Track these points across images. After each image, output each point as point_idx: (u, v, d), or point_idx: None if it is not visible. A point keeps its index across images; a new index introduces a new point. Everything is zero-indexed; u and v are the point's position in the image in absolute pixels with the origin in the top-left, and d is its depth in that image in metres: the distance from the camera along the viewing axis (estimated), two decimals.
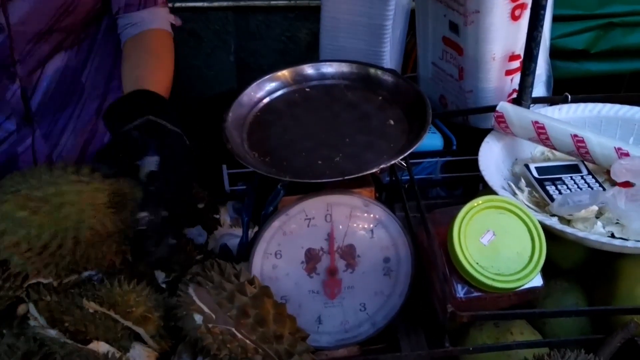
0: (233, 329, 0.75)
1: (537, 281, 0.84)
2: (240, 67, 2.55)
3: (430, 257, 0.88)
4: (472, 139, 1.12)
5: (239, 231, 1.07)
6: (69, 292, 0.82)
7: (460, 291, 0.83)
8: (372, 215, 0.89)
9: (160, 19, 1.19)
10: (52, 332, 0.74)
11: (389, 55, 1.61)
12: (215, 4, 2.36)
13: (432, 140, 1.30)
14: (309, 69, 0.95)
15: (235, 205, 1.23)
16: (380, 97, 0.95)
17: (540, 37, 1.04)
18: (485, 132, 1.09)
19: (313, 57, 2.54)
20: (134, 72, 1.13)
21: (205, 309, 0.76)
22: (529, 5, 1.05)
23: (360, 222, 0.89)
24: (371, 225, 0.89)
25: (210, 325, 0.75)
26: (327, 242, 0.89)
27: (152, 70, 1.12)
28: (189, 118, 2.15)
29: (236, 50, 2.50)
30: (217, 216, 1.12)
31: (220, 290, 0.78)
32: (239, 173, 1.22)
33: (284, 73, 0.94)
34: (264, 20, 2.45)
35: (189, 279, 0.83)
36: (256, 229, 0.97)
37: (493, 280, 0.80)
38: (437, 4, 1.24)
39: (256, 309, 0.77)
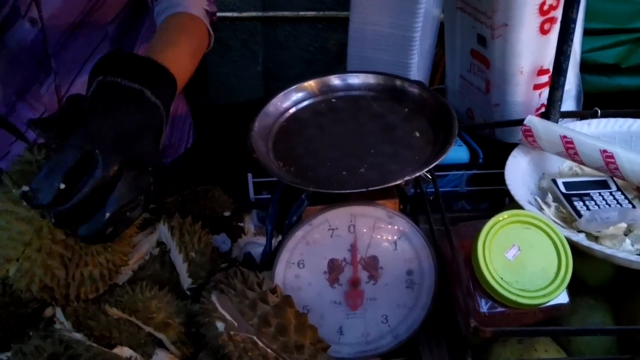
0: (254, 338, 0.75)
1: (562, 298, 0.83)
2: (267, 76, 2.57)
3: (454, 270, 0.87)
4: (499, 153, 1.11)
5: (262, 240, 1.08)
6: (95, 297, 0.84)
7: (484, 306, 0.82)
8: (396, 227, 0.88)
9: (190, 4, 1.13)
10: (78, 336, 0.75)
11: (417, 67, 1.61)
12: (245, 14, 2.38)
13: (458, 152, 1.29)
14: (335, 80, 0.96)
15: (260, 213, 1.24)
16: (406, 109, 0.94)
17: (570, 51, 1.03)
18: (512, 146, 1.08)
19: (340, 67, 2.56)
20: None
21: (228, 317, 0.77)
22: (559, 19, 1.04)
23: (384, 233, 0.88)
24: (395, 237, 0.89)
25: (232, 333, 0.75)
26: (350, 252, 0.89)
27: (162, 47, 1.01)
28: (215, 125, 2.17)
29: (263, 60, 2.52)
30: (242, 224, 1.12)
31: (242, 299, 0.78)
32: (264, 182, 1.23)
33: (311, 83, 0.95)
34: (292, 30, 2.47)
35: (212, 286, 0.84)
36: (280, 238, 0.98)
37: (517, 295, 0.79)
38: (466, 16, 1.24)
39: (278, 318, 0.77)
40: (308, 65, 2.54)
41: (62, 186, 0.70)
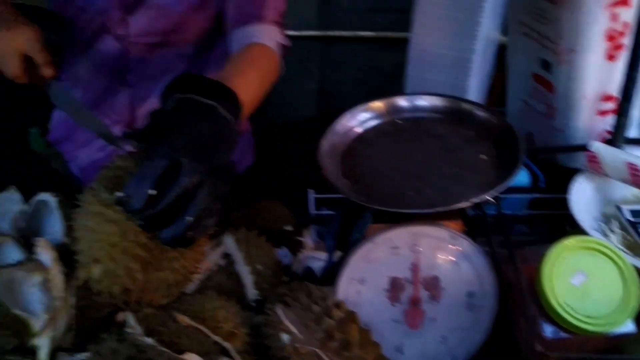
0: (319, 351, 0.77)
1: (629, 327, 0.82)
2: (321, 94, 2.61)
3: (516, 294, 0.87)
4: (560, 178, 1.11)
5: (321, 255, 1.09)
6: (165, 305, 0.87)
7: (548, 331, 0.82)
8: (458, 248, 0.89)
9: (265, 36, 1.19)
10: (149, 340, 0.78)
11: (474, 89, 1.61)
12: (303, 32, 2.43)
13: (519, 176, 1.28)
14: (402, 101, 0.97)
15: (318, 229, 1.26)
16: (471, 131, 0.95)
17: (638, 77, 1.02)
18: (573, 172, 1.08)
19: (395, 88, 2.57)
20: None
21: (293, 329, 0.78)
22: (626, 46, 1.03)
23: (446, 254, 0.89)
24: (457, 258, 0.89)
25: (297, 346, 0.77)
26: (412, 272, 0.89)
27: (231, 76, 1.07)
28: (271, 142, 2.21)
29: (319, 79, 2.56)
30: (301, 239, 1.14)
31: (307, 312, 0.80)
32: (324, 198, 1.25)
33: (378, 104, 0.97)
34: (348, 50, 2.51)
35: (276, 298, 0.86)
36: (339, 253, 0.99)
37: (582, 322, 0.79)
38: (530, 41, 1.24)
39: (342, 333, 0.78)
40: (362, 84, 2.57)
41: (153, 192, 0.75)
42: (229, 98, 0.90)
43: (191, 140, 0.80)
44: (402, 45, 2.43)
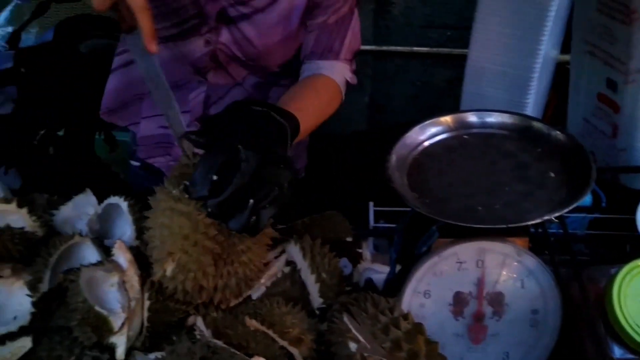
0: None
1: None
2: (372, 108, 2.63)
3: (582, 313, 0.87)
4: (622, 198, 1.10)
5: (380, 267, 1.11)
6: (233, 310, 0.89)
7: (617, 352, 0.81)
8: (524, 265, 0.89)
9: (335, 71, 1.25)
10: (219, 343, 0.81)
11: (532, 107, 1.61)
12: None
13: None
14: (471, 117, 0.98)
15: (376, 241, 1.27)
16: (540, 149, 0.96)
17: None
18: (636, 192, 1.07)
19: (446, 104, 2.58)
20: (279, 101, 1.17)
21: (361, 338, 0.80)
22: None
23: (512, 270, 0.89)
24: (522, 275, 0.90)
25: (364, 355, 0.78)
26: (477, 287, 0.90)
27: (297, 100, 1.16)
28: (322, 153, 2.24)
29: (371, 92, 2.58)
30: (360, 250, 1.16)
31: (375, 322, 0.81)
32: (383, 211, 1.26)
33: (447, 118, 0.98)
34: (401, 64, 2.52)
35: (340, 307, 0.88)
36: (398, 267, 1.00)
37: None
38: (596, 60, 1.24)
39: (409, 344, 0.79)
40: (414, 100, 2.58)
41: (215, 178, 0.80)
42: (283, 112, 0.96)
43: (247, 134, 0.85)
44: (455, 62, 2.45)
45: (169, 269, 0.83)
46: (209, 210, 0.81)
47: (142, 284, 0.88)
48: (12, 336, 0.84)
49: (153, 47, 0.95)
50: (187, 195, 0.82)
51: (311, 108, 1.15)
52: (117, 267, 0.88)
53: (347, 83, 1.29)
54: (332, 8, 1.23)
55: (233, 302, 0.89)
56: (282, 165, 0.85)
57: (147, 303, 0.86)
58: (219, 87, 1.32)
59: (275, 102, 1.36)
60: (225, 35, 1.23)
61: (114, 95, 1.38)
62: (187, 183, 0.82)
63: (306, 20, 1.26)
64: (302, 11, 1.22)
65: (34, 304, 0.88)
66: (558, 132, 0.96)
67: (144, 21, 0.94)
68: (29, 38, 1.96)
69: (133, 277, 0.87)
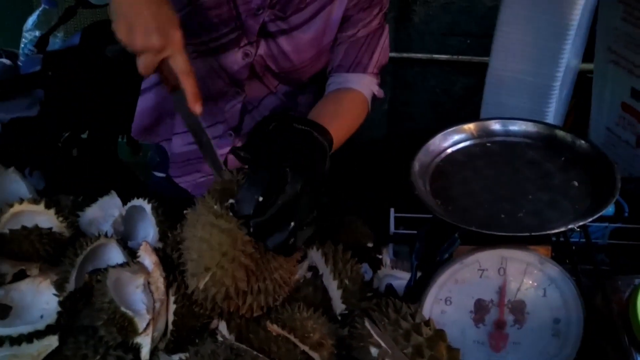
0: None
1: None
2: (391, 115, 2.63)
3: (605, 323, 0.86)
4: None
5: (400, 273, 1.11)
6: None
7: None
8: (546, 274, 0.89)
9: (362, 84, 1.27)
10: (243, 346, 0.81)
11: (553, 115, 1.60)
12: None
13: None
14: (495, 125, 0.99)
15: (396, 248, 1.28)
16: (562, 158, 0.96)
17: None
18: None
19: (465, 111, 2.58)
20: (311, 115, 1.20)
21: (382, 343, 0.80)
22: None
23: (534, 279, 0.89)
24: (544, 284, 0.89)
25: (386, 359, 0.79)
26: (498, 295, 0.90)
27: (328, 115, 1.17)
28: (343, 160, 2.25)
29: (390, 99, 2.58)
30: (380, 256, 1.16)
31: (396, 327, 0.82)
32: (404, 217, 1.26)
33: (470, 126, 0.98)
34: (420, 72, 2.52)
35: (362, 313, 0.88)
36: (419, 273, 1.01)
37: None
38: (620, 69, 1.23)
39: (431, 351, 0.79)
40: (433, 106, 2.58)
41: (261, 199, 0.82)
42: (322, 130, 0.99)
43: (292, 153, 0.87)
44: (475, 70, 2.44)
45: (203, 282, 0.84)
46: (251, 229, 0.84)
47: (167, 285, 0.90)
48: (39, 334, 0.86)
49: (197, 108, 1.00)
50: (230, 213, 0.84)
51: (342, 123, 1.18)
52: (143, 269, 0.90)
53: (374, 96, 1.31)
54: (362, 22, 1.25)
55: (258, 312, 0.89)
56: (321, 188, 0.89)
57: (173, 307, 0.87)
58: (254, 97, 1.34)
59: (303, 110, 1.39)
60: (263, 48, 1.25)
61: (146, 114, 1.40)
62: (233, 201, 0.85)
63: (336, 34, 1.27)
64: (336, 28, 1.24)
65: (60, 303, 0.89)
66: (582, 141, 0.96)
67: (188, 84, 1.00)
68: (55, 42, 1.99)
69: (158, 279, 0.89)
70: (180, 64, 0.99)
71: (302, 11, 1.22)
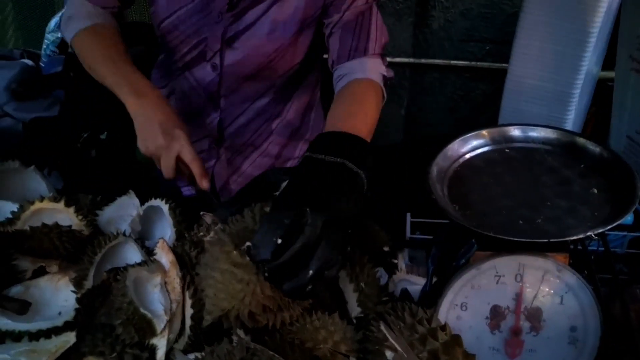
0: None
1: None
2: (409, 120, 2.63)
3: (623, 332, 0.86)
4: None
5: (415, 278, 1.11)
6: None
7: None
8: (564, 281, 0.88)
9: (368, 70, 1.23)
10: (259, 346, 0.81)
11: (572, 123, 1.59)
12: (396, 59, 2.46)
13: None
14: (514, 131, 0.98)
15: (411, 253, 1.27)
16: (582, 165, 0.95)
17: None
18: None
19: (483, 118, 2.57)
20: (329, 121, 1.17)
21: (398, 347, 0.80)
22: None
23: (551, 286, 0.89)
24: (562, 291, 0.89)
25: None
26: (515, 301, 0.89)
27: (346, 117, 1.15)
28: None
29: (408, 105, 2.58)
30: (396, 261, 1.16)
31: (412, 332, 0.82)
32: (420, 222, 1.26)
33: (489, 131, 0.98)
34: (438, 78, 2.52)
35: (377, 316, 0.88)
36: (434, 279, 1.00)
37: None
38: None
39: (447, 356, 0.79)
40: (451, 112, 2.57)
41: (280, 241, 0.77)
42: (362, 149, 0.95)
43: (314, 192, 0.83)
44: (493, 76, 2.44)
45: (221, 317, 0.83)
46: (266, 274, 0.79)
47: (183, 286, 0.90)
48: (57, 331, 0.87)
49: (204, 184, 1.11)
50: (247, 258, 0.80)
51: (364, 122, 1.13)
52: (160, 267, 0.91)
53: (385, 79, 1.26)
54: (345, 5, 1.22)
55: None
56: (347, 226, 0.84)
57: (190, 311, 0.87)
58: (233, 110, 1.37)
59: (301, 105, 1.41)
60: (231, 56, 1.27)
61: None
62: (250, 245, 0.80)
63: (325, 26, 1.26)
64: (301, 13, 1.23)
65: (78, 300, 0.90)
66: (602, 149, 0.95)
67: (195, 167, 1.10)
68: None
69: (175, 279, 0.89)
70: (187, 155, 1.10)
71: (256, 7, 1.22)
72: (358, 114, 1.14)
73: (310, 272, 0.78)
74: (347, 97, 1.21)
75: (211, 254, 0.85)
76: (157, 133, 1.10)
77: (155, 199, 1.12)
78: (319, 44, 1.32)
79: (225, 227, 0.89)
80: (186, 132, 1.12)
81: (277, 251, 0.78)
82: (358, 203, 0.88)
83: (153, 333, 0.83)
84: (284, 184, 0.88)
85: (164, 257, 0.92)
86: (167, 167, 1.11)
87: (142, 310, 0.83)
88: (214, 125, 1.38)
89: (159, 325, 0.83)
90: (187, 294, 0.88)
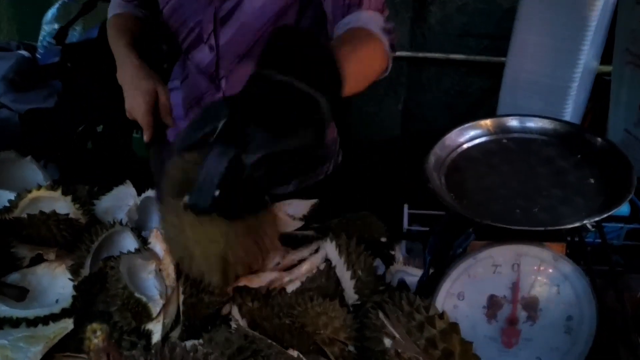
0: (420, 358, 0.78)
1: None
2: (405, 116, 2.63)
3: (617, 321, 0.86)
4: None
5: (412, 270, 1.11)
6: (268, 300, 0.90)
7: None
8: (560, 271, 0.89)
9: (364, 21, 1.10)
10: (257, 334, 0.82)
11: (570, 117, 1.60)
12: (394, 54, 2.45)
13: None
14: (512, 121, 0.98)
15: (408, 244, 1.28)
16: (578, 156, 0.95)
17: None
18: None
19: (480, 112, 2.57)
20: None
21: (396, 334, 0.80)
22: None
23: (548, 276, 0.89)
24: (558, 281, 0.89)
25: (399, 351, 0.79)
26: (511, 291, 0.90)
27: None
28: (358, 158, 2.25)
29: (405, 100, 2.59)
30: (393, 252, 1.16)
31: (410, 319, 0.82)
32: (416, 214, 1.26)
33: (486, 122, 0.98)
34: (436, 72, 2.53)
35: (375, 304, 0.88)
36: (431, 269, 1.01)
37: None
38: (638, 70, 1.23)
39: (444, 343, 0.79)
40: (448, 107, 2.58)
41: (217, 193, 0.74)
42: (317, 63, 0.78)
43: (254, 127, 0.73)
44: (491, 71, 2.44)
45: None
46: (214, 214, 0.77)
47: (177, 273, 0.90)
48: (55, 317, 0.87)
49: (168, 120, 1.20)
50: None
51: (354, 63, 0.96)
52: (154, 255, 0.91)
53: (386, 31, 1.11)
54: None
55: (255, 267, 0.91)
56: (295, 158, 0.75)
57: (182, 297, 0.88)
58: (233, 91, 1.37)
59: None
60: (225, 36, 1.29)
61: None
62: (188, 199, 0.78)
63: None
64: None
65: (75, 287, 0.90)
66: (599, 140, 0.96)
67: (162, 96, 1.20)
68: (73, 35, 2.01)
69: (169, 266, 0.89)
70: (161, 93, 1.20)
71: None
72: (348, 56, 0.93)
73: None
74: (336, 42, 1.08)
75: (161, 207, 0.89)
76: (133, 94, 1.21)
77: (152, 189, 1.12)
78: (317, 22, 1.27)
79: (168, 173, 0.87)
80: (161, 88, 1.21)
81: (216, 202, 0.74)
82: (309, 134, 0.75)
83: (149, 316, 0.83)
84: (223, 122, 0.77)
85: (158, 245, 0.92)
86: (142, 117, 1.18)
87: (137, 294, 0.83)
88: None
89: (155, 308, 0.83)
90: (179, 282, 0.88)
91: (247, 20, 1.27)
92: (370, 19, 1.11)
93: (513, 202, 0.88)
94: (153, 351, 0.71)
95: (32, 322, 0.85)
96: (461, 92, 2.57)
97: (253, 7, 1.25)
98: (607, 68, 1.60)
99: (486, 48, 2.44)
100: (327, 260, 0.99)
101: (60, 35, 1.89)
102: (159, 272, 0.90)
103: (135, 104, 1.21)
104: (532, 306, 0.90)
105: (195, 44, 1.34)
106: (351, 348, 0.85)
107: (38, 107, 1.87)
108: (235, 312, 0.89)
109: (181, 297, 0.88)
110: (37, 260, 0.97)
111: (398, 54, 2.44)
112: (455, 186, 0.93)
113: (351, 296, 0.92)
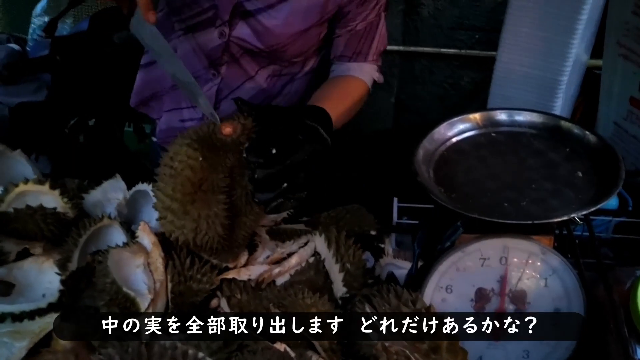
0: (407, 352, 0.78)
1: None
2: (398, 108, 2.62)
3: (606, 315, 0.86)
4: None
5: (401, 262, 1.11)
6: (257, 293, 0.90)
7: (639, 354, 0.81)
8: (548, 264, 0.89)
9: (363, 72, 1.33)
10: (244, 328, 0.81)
11: (560, 110, 1.60)
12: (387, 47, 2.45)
13: None
14: (500, 115, 0.98)
15: (398, 237, 1.28)
16: (568, 149, 0.95)
17: None
18: None
19: (472, 105, 2.57)
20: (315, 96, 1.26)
21: (382, 328, 0.80)
22: None
23: (536, 269, 0.89)
24: (546, 274, 0.89)
25: (386, 344, 0.79)
26: (499, 284, 0.90)
27: (328, 100, 1.21)
28: (350, 151, 2.25)
29: (397, 92, 2.58)
30: (382, 245, 1.16)
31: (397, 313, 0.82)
32: (405, 207, 1.26)
33: (475, 115, 0.98)
34: (428, 65, 2.52)
35: (363, 298, 0.88)
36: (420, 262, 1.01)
37: None
38: (629, 63, 1.23)
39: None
40: (440, 100, 2.57)
41: (274, 151, 0.91)
42: (329, 120, 1.06)
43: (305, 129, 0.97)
44: (483, 64, 2.44)
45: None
46: (256, 176, 0.90)
47: (166, 266, 0.90)
48: (41, 312, 0.86)
49: (151, 17, 0.96)
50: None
51: (342, 107, 1.22)
52: (142, 249, 0.90)
53: (375, 82, 1.36)
54: (361, 16, 1.29)
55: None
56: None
57: (169, 285, 0.88)
58: (232, 81, 1.36)
59: (290, 97, 1.42)
60: (242, 29, 1.27)
61: (143, 87, 1.46)
62: (248, 147, 0.90)
63: (335, 27, 1.32)
64: (321, 7, 1.25)
65: (62, 282, 0.90)
66: (588, 133, 0.96)
67: None
68: (64, 28, 2.00)
69: (157, 260, 0.89)
70: None
71: None
72: (340, 101, 1.24)
73: (285, 185, 0.91)
74: (337, 84, 1.32)
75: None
76: None
77: (143, 183, 1.11)
78: (326, 39, 1.37)
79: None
80: None
81: (270, 160, 0.90)
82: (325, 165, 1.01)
83: (137, 312, 0.83)
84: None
85: (146, 238, 0.92)
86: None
87: (124, 289, 0.82)
88: (211, 94, 1.36)
89: (143, 303, 0.83)
90: (167, 271, 0.88)
91: (270, 26, 1.25)
92: (368, 71, 1.34)
93: (501, 195, 0.88)
94: (130, 349, 0.71)
95: (18, 317, 0.85)
96: (453, 85, 2.56)
97: (280, 17, 1.24)
98: (597, 62, 1.60)
99: (478, 41, 2.44)
100: (317, 254, 0.99)
101: (50, 28, 1.87)
102: (147, 266, 0.90)
103: None
104: (520, 299, 0.90)
105: (203, 26, 1.29)
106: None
107: (28, 100, 1.86)
108: (224, 304, 0.89)
109: (169, 285, 0.88)
110: (24, 254, 0.97)
111: (392, 47, 2.45)
112: (444, 180, 0.93)
113: (340, 289, 0.93)
